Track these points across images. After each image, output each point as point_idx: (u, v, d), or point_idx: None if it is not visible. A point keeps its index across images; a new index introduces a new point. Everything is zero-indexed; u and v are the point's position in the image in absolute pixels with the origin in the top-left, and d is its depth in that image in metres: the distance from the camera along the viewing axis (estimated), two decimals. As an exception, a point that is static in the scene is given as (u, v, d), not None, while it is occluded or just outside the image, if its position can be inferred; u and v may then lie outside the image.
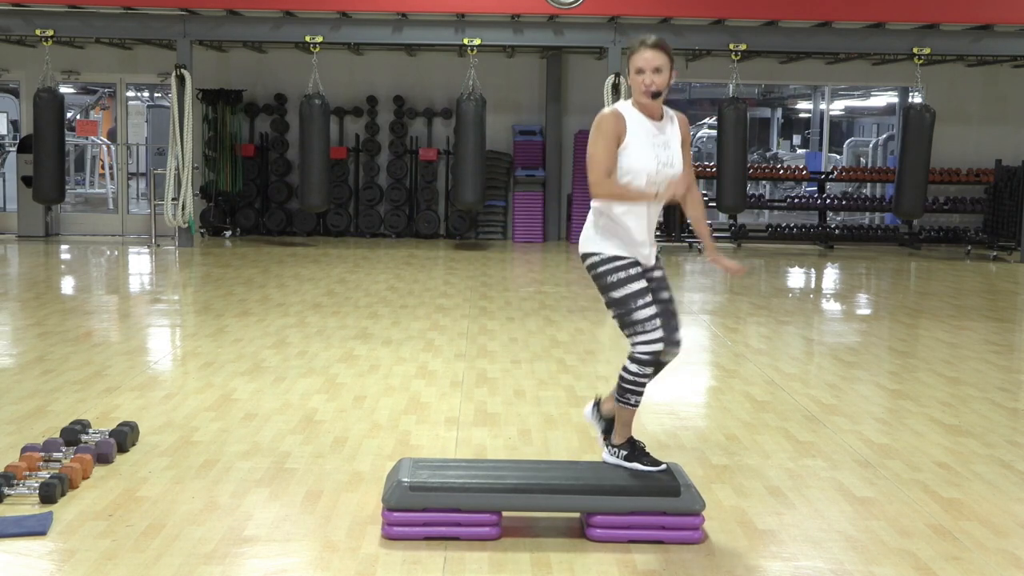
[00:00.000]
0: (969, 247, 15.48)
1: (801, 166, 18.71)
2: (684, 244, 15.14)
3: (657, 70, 4.09)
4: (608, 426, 4.41)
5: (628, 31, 13.67)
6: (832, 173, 16.32)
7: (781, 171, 17.75)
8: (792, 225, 15.92)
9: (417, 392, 6.40)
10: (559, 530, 4.18)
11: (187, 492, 4.52)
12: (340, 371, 6.89)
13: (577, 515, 4.21)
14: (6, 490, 4.33)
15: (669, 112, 4.27)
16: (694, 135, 22.68)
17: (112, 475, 4.71)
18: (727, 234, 15.58)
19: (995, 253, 15.00)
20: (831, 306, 11.00)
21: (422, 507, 4.02)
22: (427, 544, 4.00)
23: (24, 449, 4.82)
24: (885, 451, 5.36)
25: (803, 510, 4.49)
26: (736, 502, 4.55)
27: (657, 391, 6.80)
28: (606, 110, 4.20)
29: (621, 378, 4.17)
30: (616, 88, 13.33)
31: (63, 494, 4.39)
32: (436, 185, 15.69)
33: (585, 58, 15.61)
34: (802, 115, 24.41)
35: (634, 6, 13.29)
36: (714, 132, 18.01)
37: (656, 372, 4.29)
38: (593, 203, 4.19)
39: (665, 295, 4.26)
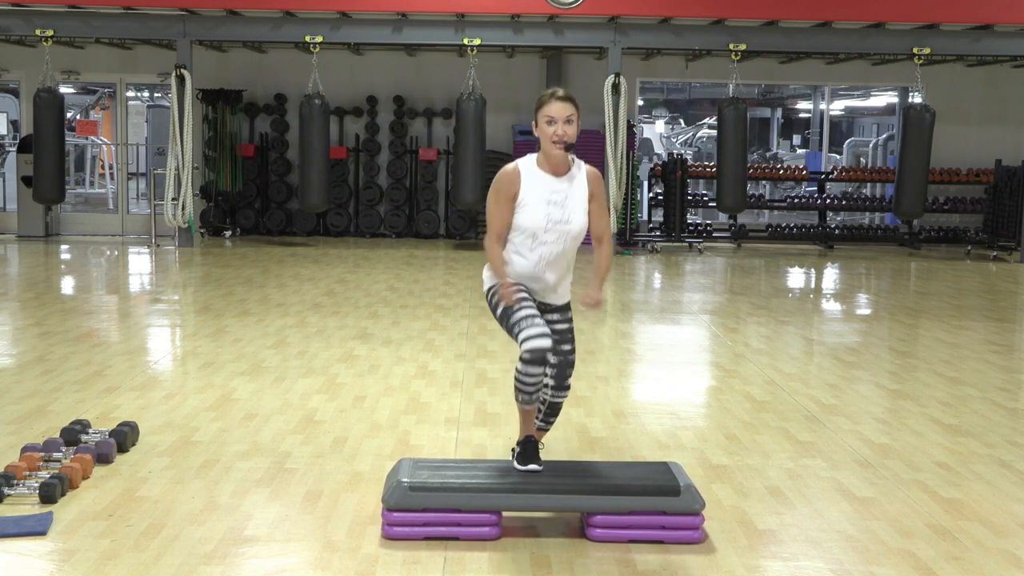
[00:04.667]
0: (969, 247, 15.48)
1: (801, 166, 18.69)
2: (684, 244, 15.13)
3: (568, 120, 4.07)
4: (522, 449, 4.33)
5: (628, 31, 13.68)
6: (832, 173, 16.32)
7: (781, 171, 17.75)
8: (792, 225, 15.92)
9: (417, 392, 6.40)
10: (559, 530, 4.18)
11: (187, 492, 4.52)
12: (340, 371, 6.89)
13: (577, 515, 4.22)
14: (6, 490, 4.33)
15: (578, 165, 4.21)
16: (693, 135, 22.69)
17: (112, 475, 4.71)
18: (727, 234, 15.58)
19: (995, 253, 15.00)
20: (831, 306, 10.99)
21: (422, 507, 4.02)
22: (427, 544, 4.00)
23: (24, 449, 4.82)
24: (885, 451, 5.36)
25: (803, 510, 4.49)
26: (736, 502, 4.55)
27: (657, 391, 6.82)
28: (507, 166, 4.19)
29: (514, 378, 4.14)
30: (616, 88, 13.34)
31: (63, 494, 4.39)
32: (436, 185, 15.68)
33: (585, 58, 15.61)
34: (802, 115, 24.39)
35: (634, 6, 13.29)
36: (714, 132, 18.01)
37: (549, 414, 4.32)
38: None
39: (565, 347, 4.24)
